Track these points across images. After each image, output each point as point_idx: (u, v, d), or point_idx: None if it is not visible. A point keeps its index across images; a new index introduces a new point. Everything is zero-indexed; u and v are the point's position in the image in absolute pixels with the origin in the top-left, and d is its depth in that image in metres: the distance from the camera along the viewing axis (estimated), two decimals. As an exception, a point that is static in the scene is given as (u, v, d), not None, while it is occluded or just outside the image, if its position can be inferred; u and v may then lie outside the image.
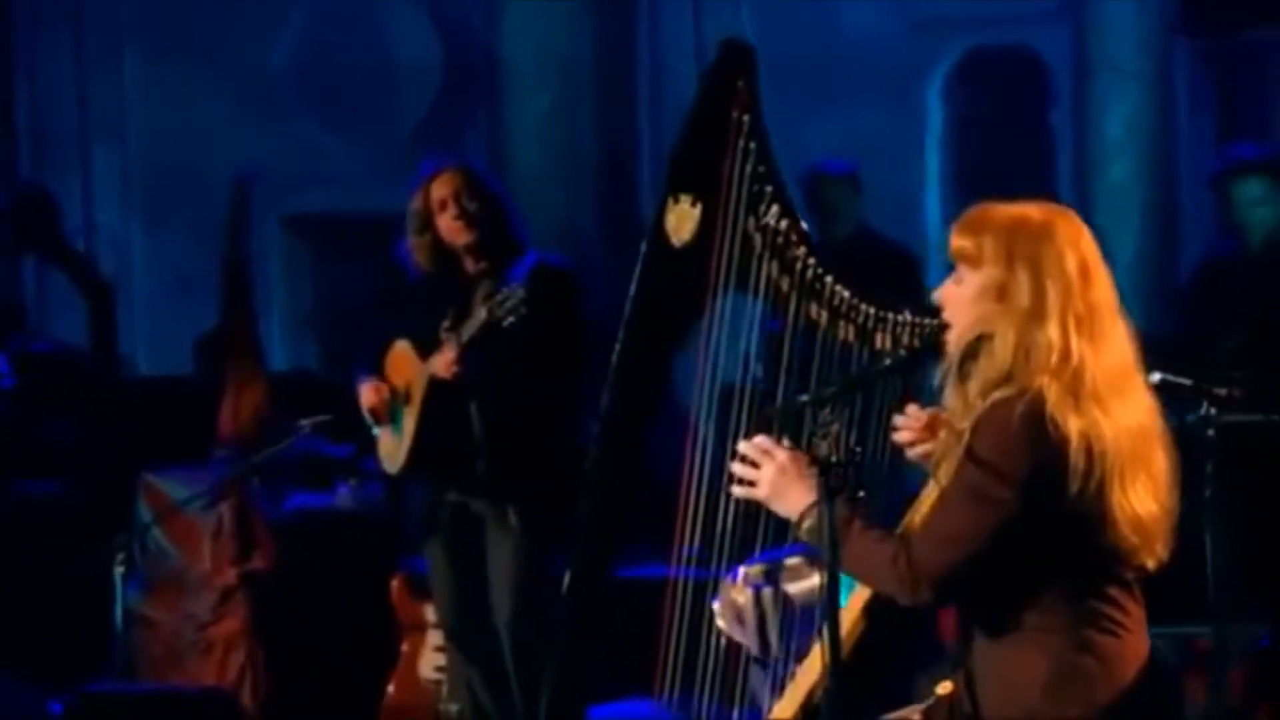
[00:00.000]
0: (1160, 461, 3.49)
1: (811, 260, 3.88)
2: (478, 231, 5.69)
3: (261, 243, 8.85)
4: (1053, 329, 3.44)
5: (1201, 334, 7.00)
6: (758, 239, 3.92)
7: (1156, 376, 3.75)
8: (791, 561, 6.66)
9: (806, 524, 3.60)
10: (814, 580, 6.58)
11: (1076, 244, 3.51)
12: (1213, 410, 3.98)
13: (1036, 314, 3.45)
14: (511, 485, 5.66)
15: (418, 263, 5.79)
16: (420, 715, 6.22)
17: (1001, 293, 3.47)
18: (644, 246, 4.02)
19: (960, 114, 9.88)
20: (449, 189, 5.71)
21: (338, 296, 9.90)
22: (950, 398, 3.56)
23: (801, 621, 6.61)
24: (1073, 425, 3.37)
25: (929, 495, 3.69)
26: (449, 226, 5.71)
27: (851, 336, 3.84)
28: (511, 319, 5.35)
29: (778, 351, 3.86)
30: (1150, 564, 3.49)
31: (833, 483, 3.48)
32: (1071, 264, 3.48)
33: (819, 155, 10.00)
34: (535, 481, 5.65)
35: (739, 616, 6.75)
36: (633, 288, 4.01)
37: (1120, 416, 3.43)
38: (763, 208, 3.92)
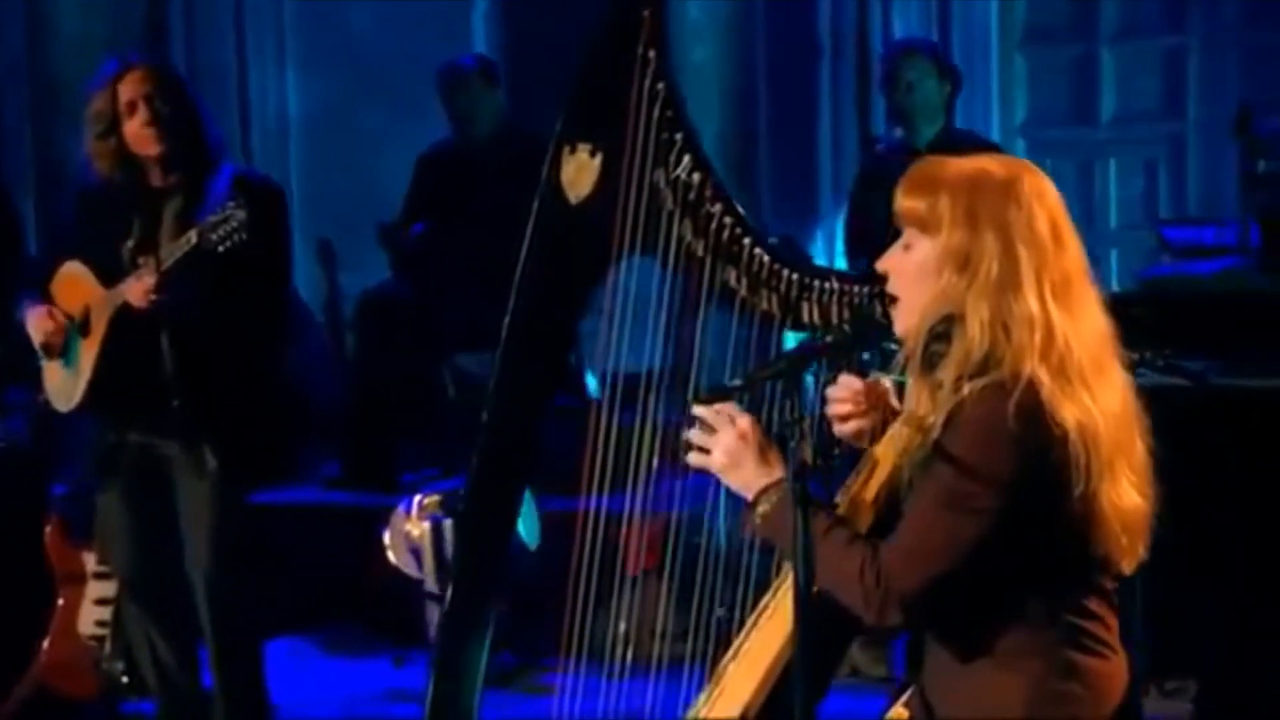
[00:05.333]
0: (1140, 449, 3.16)
1: (728, 219, 3.50)
2: (171, 140, 5.02)
3: None
4: (1030, 301, 3.04)
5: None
6: (667, 195, 3.51)
7: None
8: (471, 490, 6.28)
9: (761, 508, 3.16)
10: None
11: (1044, 200, 3.10)
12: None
13: (1009, 284, 3.04)
14: (208, 424, 5.06)
15: (98, 170, 5.07)
16: (80, 675, 5.59)
17: (965, 261, 3.06)
18: (536, 202, 3.55)
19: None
20: (139, 90, 5.00)
21: None
22: (913, 387, 3.14)
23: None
24: (1069, 417, 3.01)
25: (861, 480, 3.36)
26: (138, 134, 5.01)
27: (774, 307, 3.48)
28: (229, 243, 4.75)
29: None
30: (1129, 566, 3.19)
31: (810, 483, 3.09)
32: (1043, 225, 3.07)
33: (366, 34, 9.47)
34: (234, 420, 5.08)
35: (413, 549, 6.35)
36: (524, 248, 3.54)
37: (1103, 400, 3.08)
38: (673, 158, 3.51)
